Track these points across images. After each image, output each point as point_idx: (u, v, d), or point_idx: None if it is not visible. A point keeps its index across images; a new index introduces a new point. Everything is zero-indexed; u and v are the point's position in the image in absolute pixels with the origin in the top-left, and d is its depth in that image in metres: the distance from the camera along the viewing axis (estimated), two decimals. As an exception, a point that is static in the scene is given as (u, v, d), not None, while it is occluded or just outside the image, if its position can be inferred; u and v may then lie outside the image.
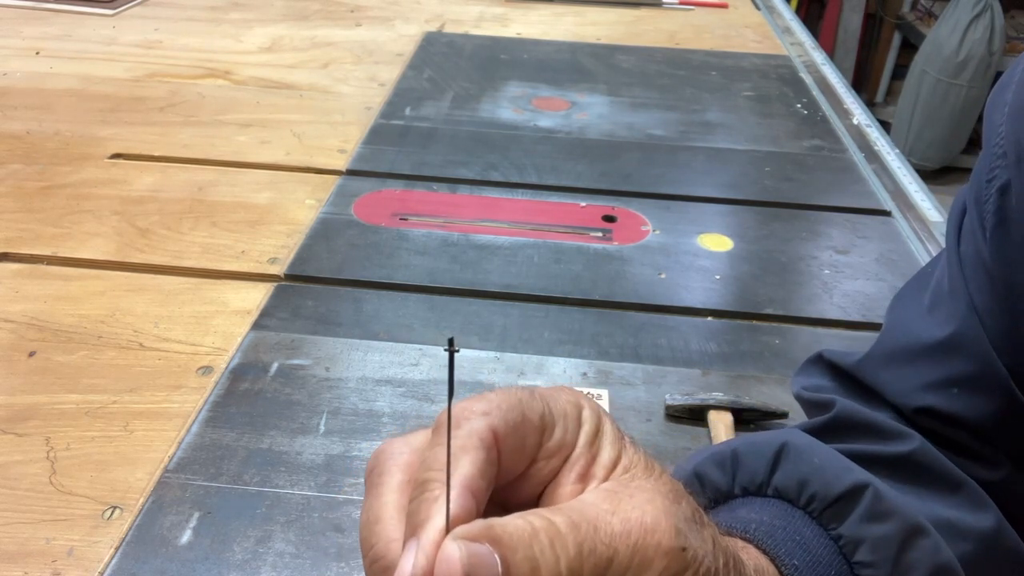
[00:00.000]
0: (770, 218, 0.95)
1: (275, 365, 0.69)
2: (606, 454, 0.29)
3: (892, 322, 0.48)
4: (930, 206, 0.99)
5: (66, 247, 0.83)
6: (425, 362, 0.70)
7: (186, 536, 0.54)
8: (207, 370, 0.68)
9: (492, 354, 0.71)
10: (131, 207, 0.90)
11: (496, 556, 0.24)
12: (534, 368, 0.70)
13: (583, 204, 0.96)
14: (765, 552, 0.35)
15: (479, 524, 0.25)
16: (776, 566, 0.34)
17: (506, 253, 0.86)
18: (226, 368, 0.68)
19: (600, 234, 0.90)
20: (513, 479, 0.29)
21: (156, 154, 1.02)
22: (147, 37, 1.41)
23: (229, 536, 0.54)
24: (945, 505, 0.39)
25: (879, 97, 3.62)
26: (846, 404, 0.43)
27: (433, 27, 1.55)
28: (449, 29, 1.54)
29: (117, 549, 0.53)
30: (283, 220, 0.89)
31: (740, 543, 0.35)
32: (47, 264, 0.81)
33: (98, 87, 1.20)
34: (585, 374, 0.70)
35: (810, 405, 0.48)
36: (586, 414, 0.30)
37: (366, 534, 0.28)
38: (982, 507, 0.40)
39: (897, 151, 1.14)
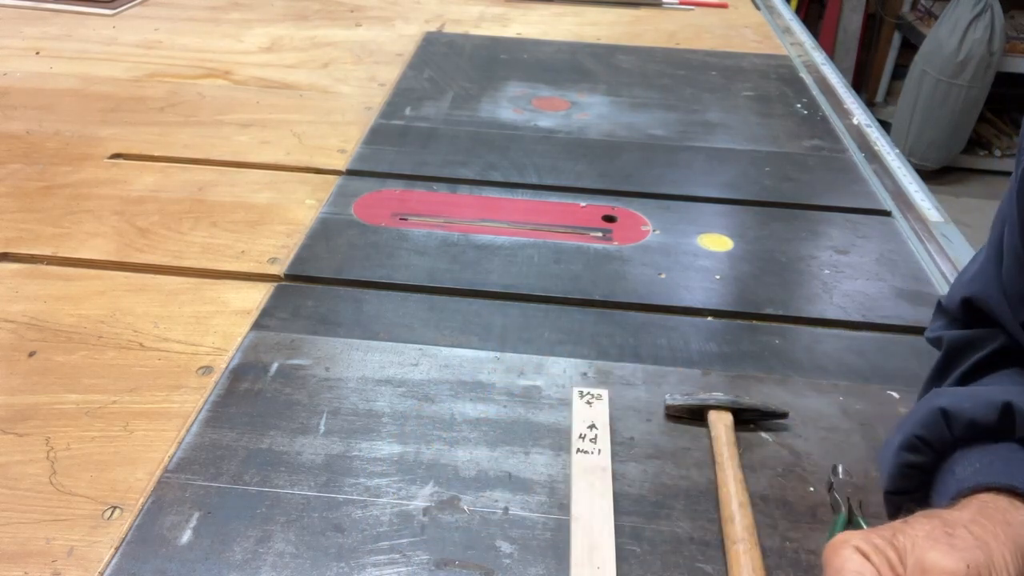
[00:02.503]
0: (770, 218, 0.95)
1: (275, 365, 0.69)
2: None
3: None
4: (930, 206, 0.99)
5: (66, 247, 0.83)
6: (425, 362, 0.70)
7: (186, 536, 0.54)
8: (207, 370, 0.68)
9: (492, 354, 0.71)
10: (131, 207, 0.90)
11: None
12: (534, 368, 0.70)
13: (583, 204, 0.96)
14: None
15: None
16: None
17: (506, 253, 0.86)
18: (226, 368, 0.68)
19: (600, 234, 0.90)
20: None
21: (156, 154, 1.02)
22: (147, 37, 1.41)
23: (229, 536, 0.54)
24: None
25: (879, 97, 3.62)
26: (950, 335, 0.56)
27: (433, 27, 1.55)
28: (449, 29, 1.54)
29: (117, 549, 0.53)
30: (283, 220, 0.89)
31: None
32: (47, 264, 0.81)
33: (98, 87, 1.20)
34: (585, 374, 0.70)
35: (933, 345, 0.59)
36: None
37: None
38: None
39: (897, 151, 1.14)
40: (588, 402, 0.65)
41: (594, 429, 0.63)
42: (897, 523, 0.42)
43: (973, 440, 0.47)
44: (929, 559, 0.39)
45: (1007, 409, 0.46)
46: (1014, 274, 0.50)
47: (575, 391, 0.66)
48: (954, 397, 0.48)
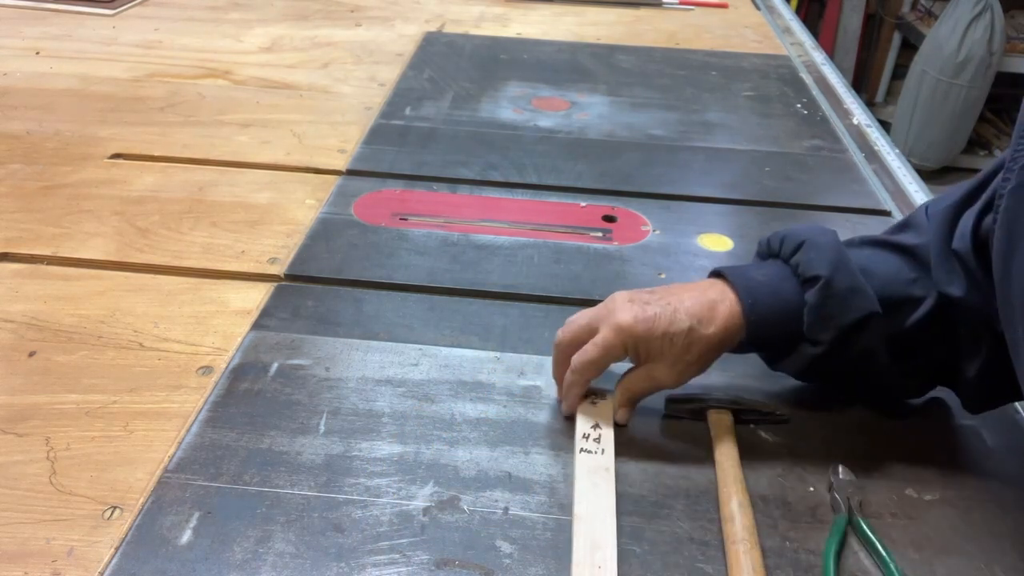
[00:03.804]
0: (770, 218, 0.95)
1: (275, 365, 0.69)
2: (642, 353, 0.61)
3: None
4: (930, 206, 0.99)
5: (66, 247, 0.83)
6: (425, 362, 0.70)
7: (186, 536, 0.54)
8: (207, 370, 0.68)
9: (492, 354, 0.71)
10: (131, 207, 0.90)
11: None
12: (534, 368, 0.70)
13: (583, 204, 0.96)
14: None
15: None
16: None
17: (506, 253, 0.86)
18: (226, 368, 0.68)
19: (600, 234, 0.90)
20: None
21: (156, 154, 1.02)
22: (147, 37, 1.41)
23: (229, 536, 0.54)
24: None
25: (879, 97, 3.62)
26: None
27: (433, 27, 1.55)
28: (449, 29, 1.55)
29: (117, 549, 0.53)
30: (283, 220, 0.89)
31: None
32: (47, 264, 0.81)
33: (98, 87, 1.20)
34: (585, 374, 0.70)
35: None
36: (629, 343, 0.60)
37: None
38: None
39: (897, 151, 1.14)
40: (592, 402, 0.65)
41: (598, 429, 0.62)
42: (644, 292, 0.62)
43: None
44: (614, 317, 0.60)
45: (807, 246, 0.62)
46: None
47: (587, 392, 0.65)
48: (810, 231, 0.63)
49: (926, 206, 0.64)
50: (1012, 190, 0.49)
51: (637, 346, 0.60)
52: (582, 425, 0.63)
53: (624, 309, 0.60)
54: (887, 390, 0.65)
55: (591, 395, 0.65)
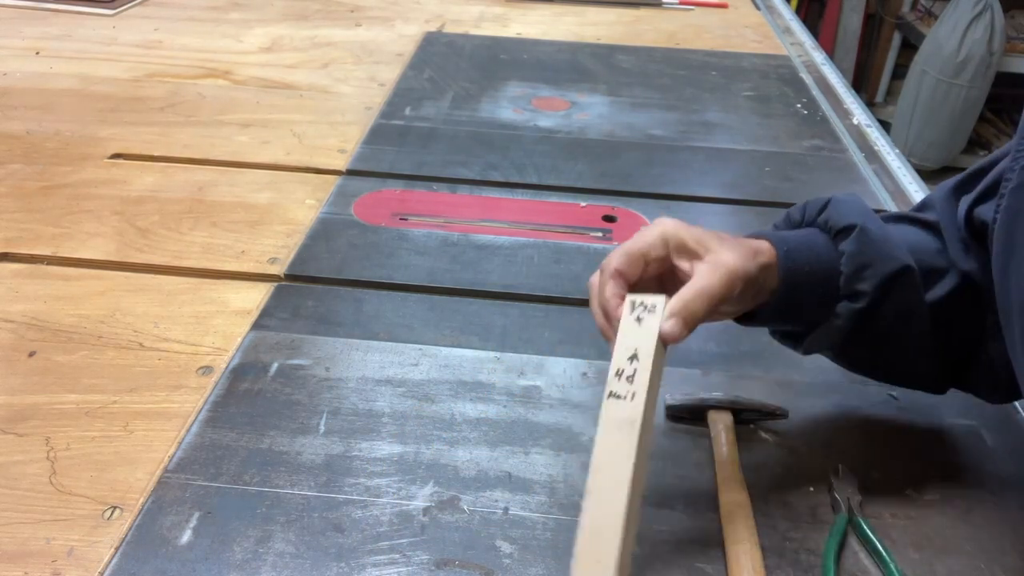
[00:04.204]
0: (770, 218, 0.94)
1: (275, 365, 0.69)
2: (691, 246, 0.52)
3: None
4: (930, 206, 0.99)
5: (66, 247, 0.83)
6: (425, 362, 0.70)
7: (186, 536, 0.54)
8: (207, 370, 0.68)
9: (492, 354, 0.71)
10: (131, 207, 0.90)
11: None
12: (534, 368, 0.70)
13: (583, 204, 0.96)
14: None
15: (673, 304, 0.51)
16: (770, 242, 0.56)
17: (506, 253, 0.86)
18: (226, 368, 0.68)
19: (600, 234, 0.90)
20: (638, 281, 0.54)
21: (156, 154, 1.02)
22: (147, 37, 1.41)
23: (229, 536, 0.54)
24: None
25: (879, 97, 3.62)
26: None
27: (433, 27, 1.55)
28: (449, 29, 1.54)
29: (117, 549, 0.53)
30: (283, 220, 0.89)
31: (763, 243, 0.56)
32: (47, 264, 0.81)
33: (98, 87, 1.20)
34: (585, 374, 0.70)
35: None
36: (668, 234, 0.53)
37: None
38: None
39: (897, 151, 1.14)
40: (638, 317, 0.50)
41: (635, 361, 0.48)
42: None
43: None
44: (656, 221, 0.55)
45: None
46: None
47: (627, 302, 0.51)
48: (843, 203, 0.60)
49: (941, 191, 0.63)
50: (1013, 190, 0.49)
51: (678, 244, 0.53)
52: (619, 356, 0.49)
53: (666, 219, 0.55)
54: (918, 374, 0.61)
55: (640, 306, 0.51)
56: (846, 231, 0.56)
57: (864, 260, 0.55)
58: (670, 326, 0.50)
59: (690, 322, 0.50)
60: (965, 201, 0.57)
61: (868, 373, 0.63)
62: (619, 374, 0.48)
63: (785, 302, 0.56)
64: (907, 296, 0.56)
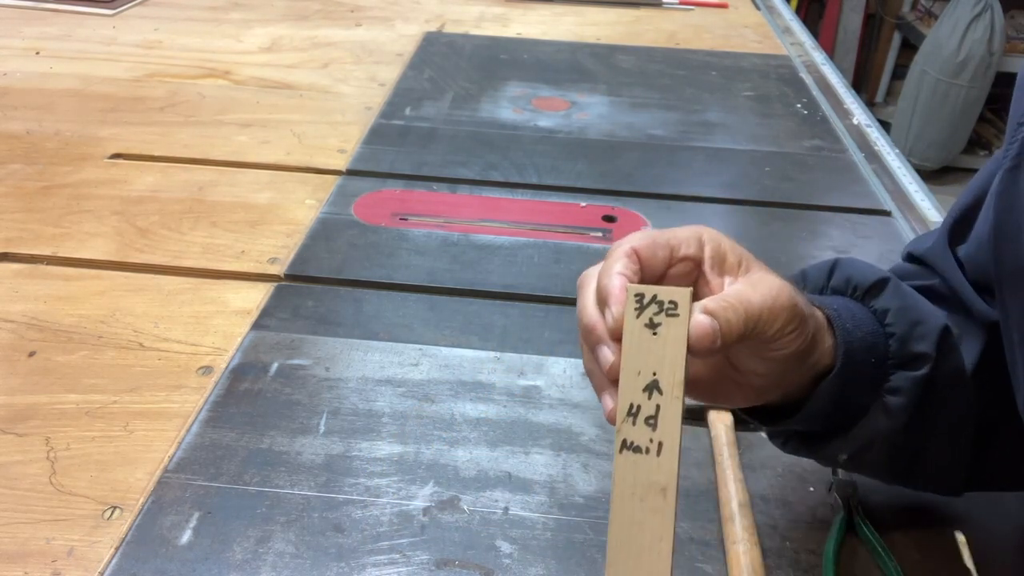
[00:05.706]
0: (770, 218, 0.95)
1: (275, 365, 0.69)
2: (731, 259, 0.42)
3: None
4: (930, 206, 0.99)
5: (66, 247, 0.83)
6: (425, 362, 0.70)
7: (186, 536, 0.54)
8: (207, 370, 0.68)
9: (492, 354, 0.71)
10: (131, 207, 0.90)
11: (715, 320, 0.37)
12: (534, 368, 0.70)
13: (583, 204, 0.96)
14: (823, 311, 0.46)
15: (712, 303, 0.38)
16: (828, 318, 0.45)
17: (506, 253, 0.86)
18: (226, 368, 0.68)
19: (600, 234, 0.90)
20: (660, 278, 0.42)
21: (156, 154, 1.02)
22: (147, 37, 1.41)
23: (229, 536, 0.54)
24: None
25: (879, 97, 3.62)
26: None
27: (433, 27, 1.55)
28: (449, 29, 1.54)
29: (117, 549, 0.53)
30: (283, 220, 0.89)
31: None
32: (47, 264, 0.81)
33: (98, 87, 1.20)
34: (585, 374, 0.69)
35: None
36: (706, 237, 0.42)
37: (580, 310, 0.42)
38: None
39: (897, 151, 1.14)
40: (652, 322, 0.35)
41: (655, 394, 0.33)
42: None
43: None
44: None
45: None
46: (979, 258, 0.51)
47: (630, 294, 0.36)
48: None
49: (906, 254, 0.58)
50: (1008, 170, 0.44)
51: (717, 251, 0.42)
52: (628, 384, 0.34)
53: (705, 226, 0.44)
54: (942, 466, 0.51)
55: (647, 306, 0.35)
56: (877, 287, 0.47)
57: (915, 316, 0.45)
58: (704, 326, 0.36)
59: (726, 330, 0.37)
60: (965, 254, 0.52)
61: (883, 474, 0.53)
62: (633, 413, 0.33)
63: (842, 377, 0.43)
64: (955, 360, 0.46)
